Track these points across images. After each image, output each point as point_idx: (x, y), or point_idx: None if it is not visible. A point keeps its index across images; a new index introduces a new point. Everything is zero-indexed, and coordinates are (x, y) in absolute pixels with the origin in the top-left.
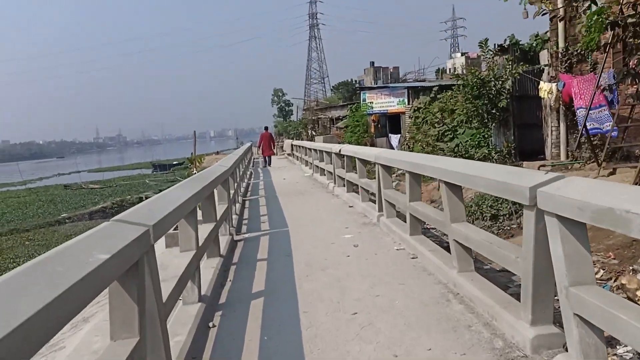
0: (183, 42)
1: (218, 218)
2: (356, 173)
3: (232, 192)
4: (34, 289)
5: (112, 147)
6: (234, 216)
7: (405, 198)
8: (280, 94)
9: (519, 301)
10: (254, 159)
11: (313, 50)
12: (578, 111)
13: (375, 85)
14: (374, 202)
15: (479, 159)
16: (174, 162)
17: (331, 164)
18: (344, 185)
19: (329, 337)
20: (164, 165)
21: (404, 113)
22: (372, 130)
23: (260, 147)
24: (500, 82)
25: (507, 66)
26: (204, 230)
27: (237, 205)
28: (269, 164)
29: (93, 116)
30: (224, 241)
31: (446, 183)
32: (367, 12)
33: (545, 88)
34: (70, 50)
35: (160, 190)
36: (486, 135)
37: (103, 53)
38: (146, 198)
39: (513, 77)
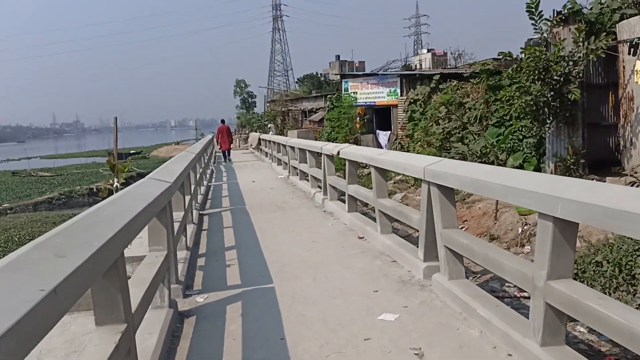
0: (143, 28)
1: (140, 301)
2: (368, 188)
3: (176, 226)
4: None
5: (70, 133)
6: (180, 264)
7: (533, 267)
8: (243, 85)
9: None
10: (215, 152)
11: (277, 42)
12: None
13: (361, 73)
14: (400, 234)
15: (514, 168)
16: (131, 152)
17: (319, 168)
18: (341, 200)
19: None
20: (121, 154)
21: (396, 106)
22: (358, 125)
23: (219, 141)
24: (570, 65)
25: (579, 41)
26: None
27: (190, 230)
28: (229, 158)
29: (50, 101)
30: (156, 329)
31: None
32: (331, 5)
33: None
34: (25, 33)
35: (111, 185)
36: (522, 137)
37: (60, 37)
38: (96, 189)
39: (595, 55)
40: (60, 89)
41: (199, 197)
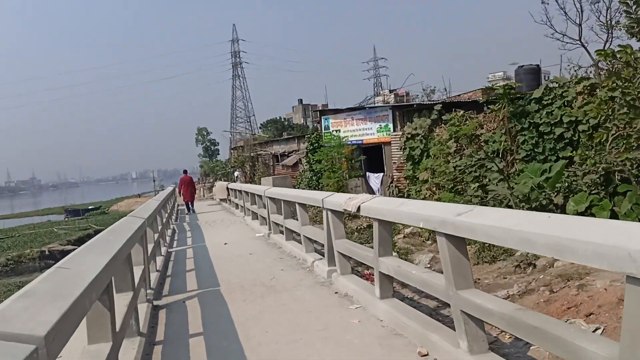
0: (99, 79)
1: None
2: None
3: None
4: None
5: (26, 191)
6: None
7: None
8: (205, 133)
9: None
10: (178, 206)
11: (237, 89)
12: None
13: (345, 107)
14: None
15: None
16: (90, 207)
17: (315, 224)
18: (360, 274)
19: None
20: (78, 210)
21: (388, 143)
22: (345, 168)
23: (181, 193)
24: None
25: None
26: None
27: (133, 356)
28: (193, 210)
29: (4, 159)
30: None
31: None
32: (288, 52)
33: None
34: None
35: (69, 242)
36: (580, 173)
37: (11, 91)
38: (48, 252)
39: None
40: (15, 145)
41: (154, 276)
